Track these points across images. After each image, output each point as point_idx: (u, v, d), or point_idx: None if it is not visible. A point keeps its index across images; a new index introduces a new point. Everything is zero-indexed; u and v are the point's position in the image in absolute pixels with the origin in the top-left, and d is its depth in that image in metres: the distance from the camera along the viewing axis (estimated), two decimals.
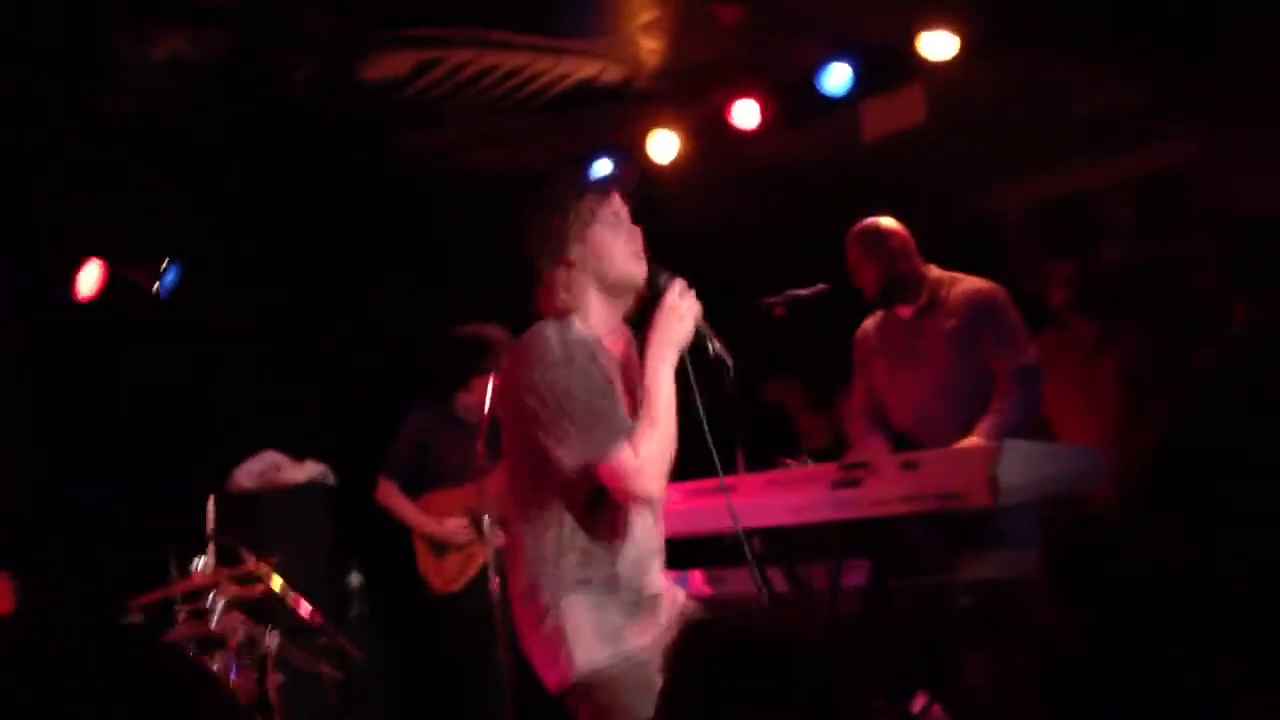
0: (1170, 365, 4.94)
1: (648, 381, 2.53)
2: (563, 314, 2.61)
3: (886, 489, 3.30)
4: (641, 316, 2.69)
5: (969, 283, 4.13)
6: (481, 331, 4.82)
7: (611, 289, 2.63)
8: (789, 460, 3.84)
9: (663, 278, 2.62)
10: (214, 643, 4.23)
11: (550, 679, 2.57)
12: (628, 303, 2.69)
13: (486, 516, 4.24)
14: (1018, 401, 3.93)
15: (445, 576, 4.82)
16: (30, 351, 5.22)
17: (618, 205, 2.66)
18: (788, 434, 6.72)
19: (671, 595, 2.77)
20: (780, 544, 3.84)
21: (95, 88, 4.70)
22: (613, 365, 2.63)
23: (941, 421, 3.95)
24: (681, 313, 2.57)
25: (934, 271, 4.18)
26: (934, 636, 3.51)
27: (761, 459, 4.02)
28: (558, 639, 2.53)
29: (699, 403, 2.69)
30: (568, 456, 2.50)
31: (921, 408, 4.11)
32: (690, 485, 3.76)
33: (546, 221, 2.63)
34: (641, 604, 2.62)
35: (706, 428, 2.65)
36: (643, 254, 2.63)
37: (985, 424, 3.84)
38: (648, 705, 2.34)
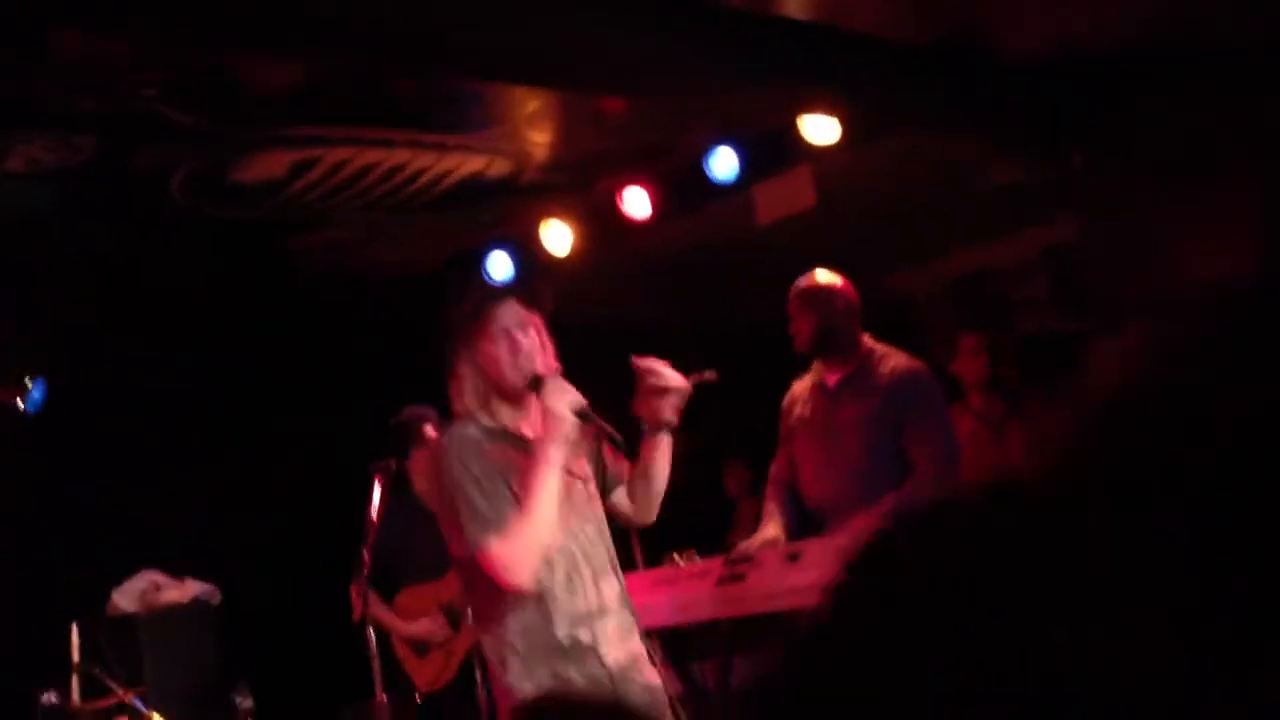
0: None
1: (527, 479, 2.65)
2: (462, 414, 2.80)
3: (770, 582, 3.18)
4: None
5: (898, 359, 3.95)
6: (406, 415, 4.75)
7: (502, 394, 2.78)
8: (677, 556, 3.71)
9: (534, 380, 2.73)
10: None
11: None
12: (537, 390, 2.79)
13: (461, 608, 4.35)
14: (928, 489, 3.72)
15: (430, 675, 4.73)
16: None
17: (504, 313, 2.79)
18: (726, 519, 6.61)
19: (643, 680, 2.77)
20: (672, 643, 3.70)
21: None
22: (506, 455, 2.73)
23: (851, 504, 3.76)
24: (557, 411, 2.66)
25: (867, 341, 4.04)
26: None
27: (707, 545, 3.92)
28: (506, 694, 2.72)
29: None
30: (460, 549, 2.69)
31: (832, 488, 3.92)
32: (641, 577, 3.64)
33: (438, 339, 2.85)
34: (594, 685, 2.66)
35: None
36: (528, 356, 2.75)
37: (884, 503, 3.66)
38: None
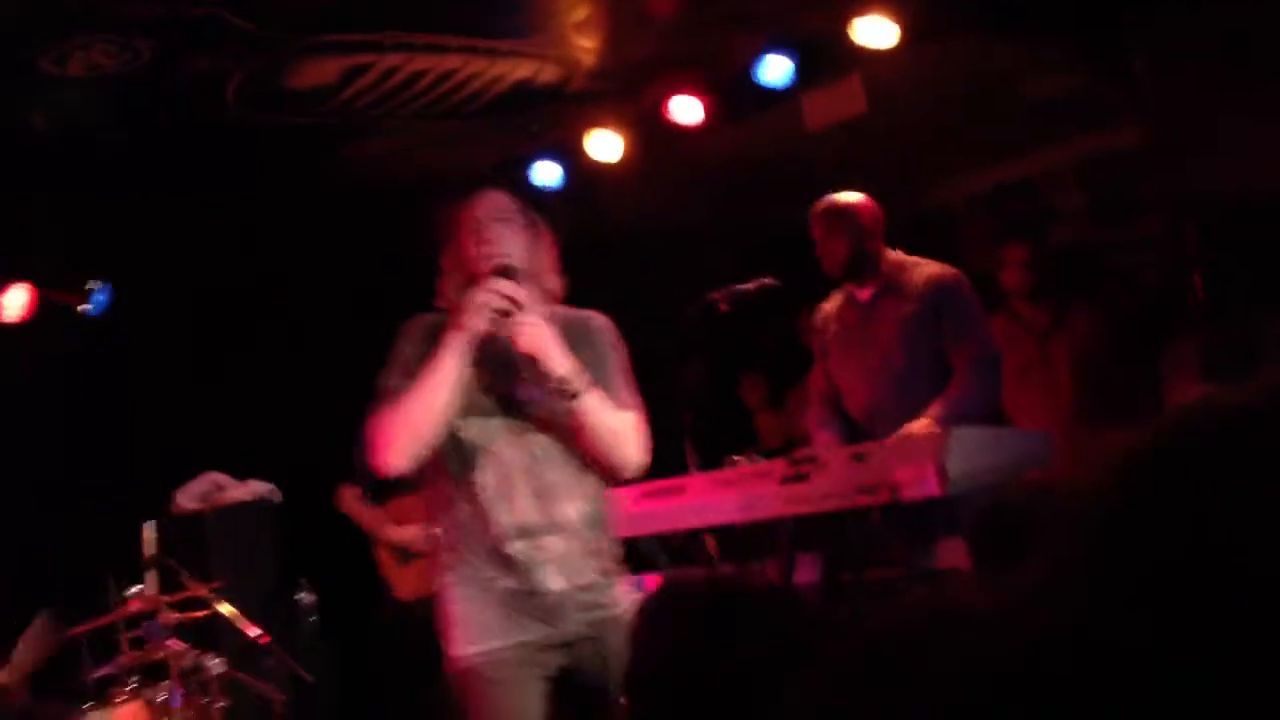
0: (1124, 348, 4.93)
1: (428, 364, 2.55)
2: (439, 309, 2.70)
3: (834, 482, 3.25)
4: None
5: (929, 268, 3.99)
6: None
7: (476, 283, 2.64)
8: (737, 457, 3.78)
9: (501, 271, 2.62)
10: (157, 670, 4.11)
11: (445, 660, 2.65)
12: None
13: None
14: (972, 389, 3.79)
15: (410, 584, 4.74)
16: None
17: (482, 203, 2.67)
18: (747, 431, 6.69)
19: (602, 601, 2.67)
20: (732, 542, 3.80)
21: (19, 106, 4.57)
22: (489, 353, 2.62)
23: (894, 410, 3.81)
24: (476, 302, 2.55)
25: (894, 255, 4.06)
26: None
27: (719, 457, 3.97)
28: (445, 624, 2.62)
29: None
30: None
31: (874, 396, 3.98)
32: (641, 487, 3.70)
33: (428, 230, 2.73)
34: (520, 597, 2.59)
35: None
36: (498, 247, 2.62)
37: (934, 408, 3.72)
38: (509, 701, 2.53)
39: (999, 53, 5.16)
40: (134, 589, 4.11)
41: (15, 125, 4.61)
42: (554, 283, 2.75)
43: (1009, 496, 2.19)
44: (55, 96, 4.54)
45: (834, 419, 4.12)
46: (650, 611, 1.65)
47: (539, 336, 2.61)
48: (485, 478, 2.59)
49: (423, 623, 4.58)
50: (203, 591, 4.20)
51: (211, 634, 4.51)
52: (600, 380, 2.67)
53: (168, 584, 4.39)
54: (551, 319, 2.68)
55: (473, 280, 2.61)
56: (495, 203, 2.66)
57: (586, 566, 2.64)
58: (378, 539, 4.91)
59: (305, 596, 5.17)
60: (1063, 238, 7.01)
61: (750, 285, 4.04)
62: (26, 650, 4.20)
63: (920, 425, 3.56)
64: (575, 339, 2.69)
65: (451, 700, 2.65)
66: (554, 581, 2.58)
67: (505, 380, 2.66)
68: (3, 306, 5.16)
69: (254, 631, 4.33)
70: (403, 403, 2.52)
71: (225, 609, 4.19)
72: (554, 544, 2.60)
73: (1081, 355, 4.83)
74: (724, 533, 3.83)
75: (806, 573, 3.58)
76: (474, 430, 2.62)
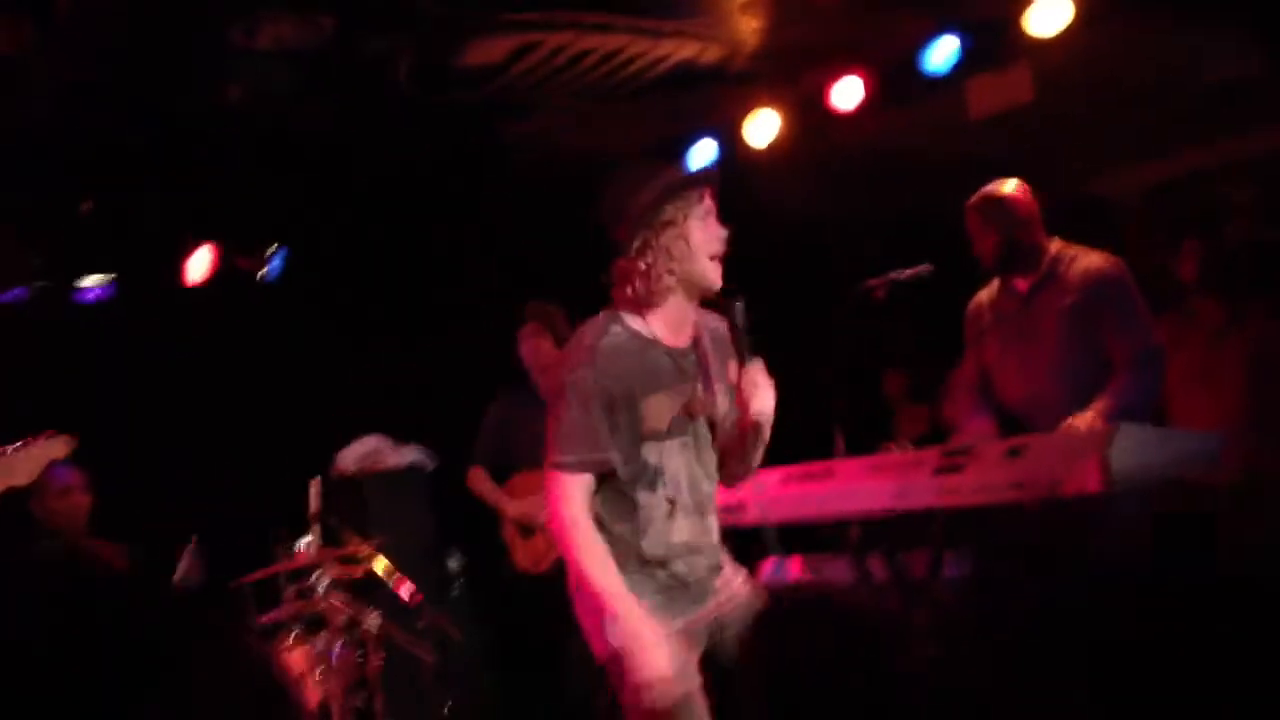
0: None
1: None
2: (627, 307, 2.61)
3: (990, 475, 3.20)
4: None
5: (1091, 258, 3.87)
6: (529, 310, 4.86)
7: (686, 287, 2.61)
8: (891, 445, 3.76)
9: (723, 293, 2.63)
10: (318, 621, 4.30)
11: (596, 652, 2.62)
12: (695, 300, 2.67)
13: None
14: (1137, 384, 3.67)
15: (532, 557, 4.84)
16: (143, 335, 5.36)
17: (710, 201, 2.62)
18: (887, 423, 6.62)
19: (730, 586, 2.75)
20: (879, 530, 3.77)
21: (207, 77, 4.79)
22: (659, 365, 2.60)
23: (1053, 403, 3.72)
24: (760, 407, 2.61)
25: (1055, 244, 3.95)
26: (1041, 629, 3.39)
27: (860, 448, 3.95)
28: (596, 615, 2.56)
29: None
30: (549, 452, 2.57)
31: (1033, 388, 3.88)
32: (788, 470, 3.71)
33: (637, 205, 2.57)
34: (677, 588, 2.63)
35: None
36: (721, 257, 2.62)
37: (1100, 403, 3.61)
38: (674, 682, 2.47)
39: (1173, 40, 4.99)
40: (301, 542, 4.29)
41: (206, 94, 4.84)
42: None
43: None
44: (244, 68, 4.75)
45: (986, 408, 4.05)
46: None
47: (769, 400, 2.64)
48: (649, 496, 2.59)
49: (539, 594, 4.69)
50: (364, 548, 4.37)
51: (367, 592, 4.68)
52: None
53: (330, 541, 4.58)
54: (702, 328, 2.70)
55: (698, 279, 2.59)
56: (708, 203, 2.62)
57: (718, 555, 2.72)
58: (502, 514, 5.01)
59: (454, 563, 5.31)
60: (1238, 233, 6.73)
61: (907, 272, 4.00)
62: (181, 571, 4.38)
63: (1085, 419, 3.49)
64: (718, 351, 2.71)
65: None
66: (706, 599, 2.66)
67: (684, 399, 2.64)
68: (188, 268, 5.42)
69: (408, 590, 4.49)
70: (595, 562, 2.52)
71: (381, 566, 4.35)
72: (701, 563, 2.67)
73: (1256, 356, 4.65)
74: (869, 522, 3.81)
75: (957, 567, 3.55)
76: (650, 451, 2.61)
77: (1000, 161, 4.41)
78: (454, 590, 5.41)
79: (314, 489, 4.47)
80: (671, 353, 2.61)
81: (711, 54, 5.35)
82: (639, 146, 6.16)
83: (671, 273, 2.57)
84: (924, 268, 4.02)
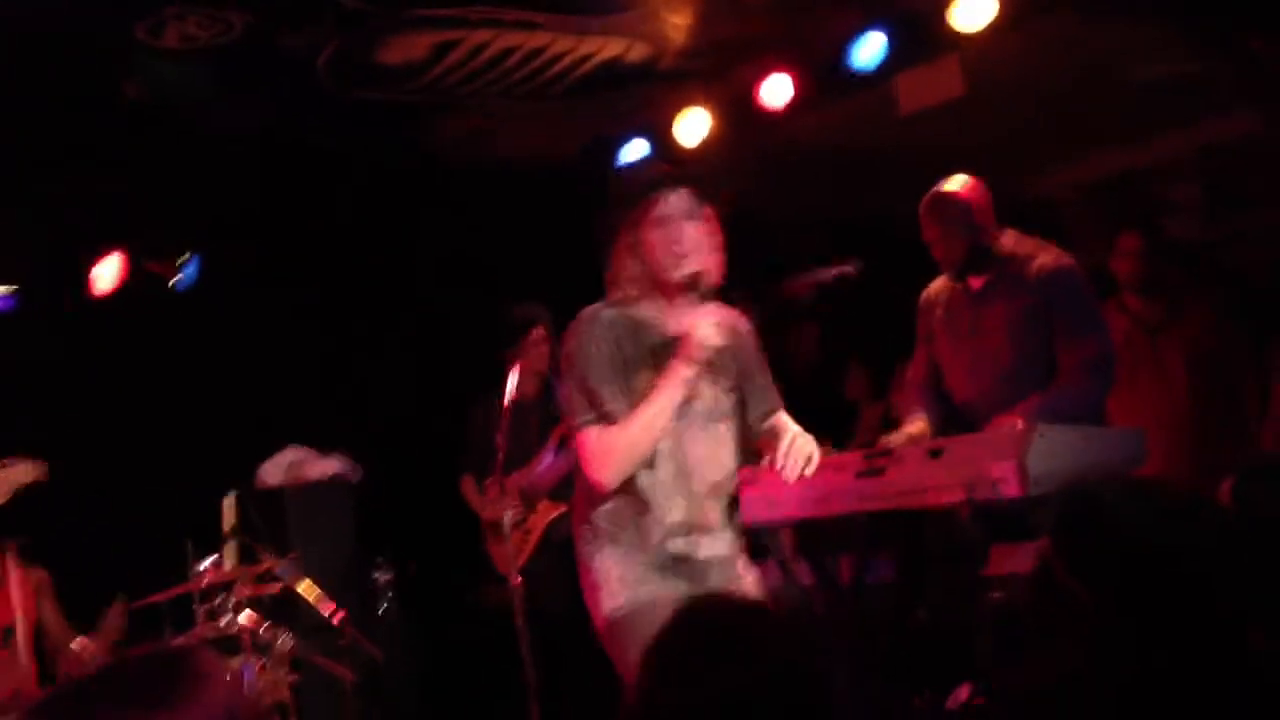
0: (1236, 345, 4.69)
1: (656, 388, 2.66)
2: (616, 301, 2.78)
3: (911, 478, 3.13)
4: None
5: (1045, 257, 3.78)
6: (516, 315, 4.86)
7: (660, 285, 2.74)
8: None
9: (694, 277, 2.71)
10: (230, 642, 4.16)
11: (595, 624, 2.75)
12: (685, 295, 2.75)
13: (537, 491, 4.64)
14: (1077, 390, 3.59)
15: (503, 561, 4.79)
16: (52, 345, 5.19)
17: (667, 202, 2.72)
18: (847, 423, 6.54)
19: (737, 581, 2.79)
20: (806, 536, 3.69)
21: (116, 76, 4.64)
22: (655, 349, 2.71)
23: (1001, 405, 3.63)
24: (700, 336, 2.66)
25: (1007, 240, 3.87)
26: (967, 634, 3.32)
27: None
28: (594, 587, 2.71)
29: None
30: (571, 423, 2.72)
31: (983, 387, 3.81)
32: None
33: (604, 220, 2.80)
34: (677, 566, 2.69)
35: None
36: (688, 250, 2.70)
37: (1029, 404, 3.54)
38: None
39: (1105, 34, 4.95)
40: (208, 561, 4.15)
41: (112, 94, 4.68)
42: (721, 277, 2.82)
43: (1097, 491, 2.06)
44: (151, 67, 4.60)
45: (930, 405, 3.95)
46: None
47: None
48: (649, 478, 2.69)
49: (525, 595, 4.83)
50: (277, 566, 4.23)
51: (287, 609, 4.55)
52: (759, 382, 2.89)
53: (247, 557, 4.44)
54: (722, 322, 2.76)
55: (657, 278, 2.72)
56: (683, 201, 2.73)
57: (732, 569, 2.79)
58: (481, 521, 5.02)
59: (382, 575, 5.19)
60: (1176, 229, 6.72)
61: (830, 272, 3.91)
62: (105, 633, 4.26)
63: (1008, 421, 3.41)
64: (729, 341, 2.78)
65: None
66: (713, 582, 2.72)
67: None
68: (96, 277, 5.25)
69: (328, 608, 4.36)
70: (627, 430, 2.64)
71: (300, 586, 4.22)
72: (710, 544, 2.74)
73: (1194, 352, 4.61)
74: (801, 527, 3.73)
75: (883, 571, 3.47)
76: None
77: (934, 157, 4.35)
78: (382, 605, 5.28)
79: (228, 504, 4.32)
80: (667, 337, 2.71)
81: (639, 52, 5.26)
82: (570, 147, 6.07)
83: (641, 273, 2.73)
84: (846, 267, 3.93)
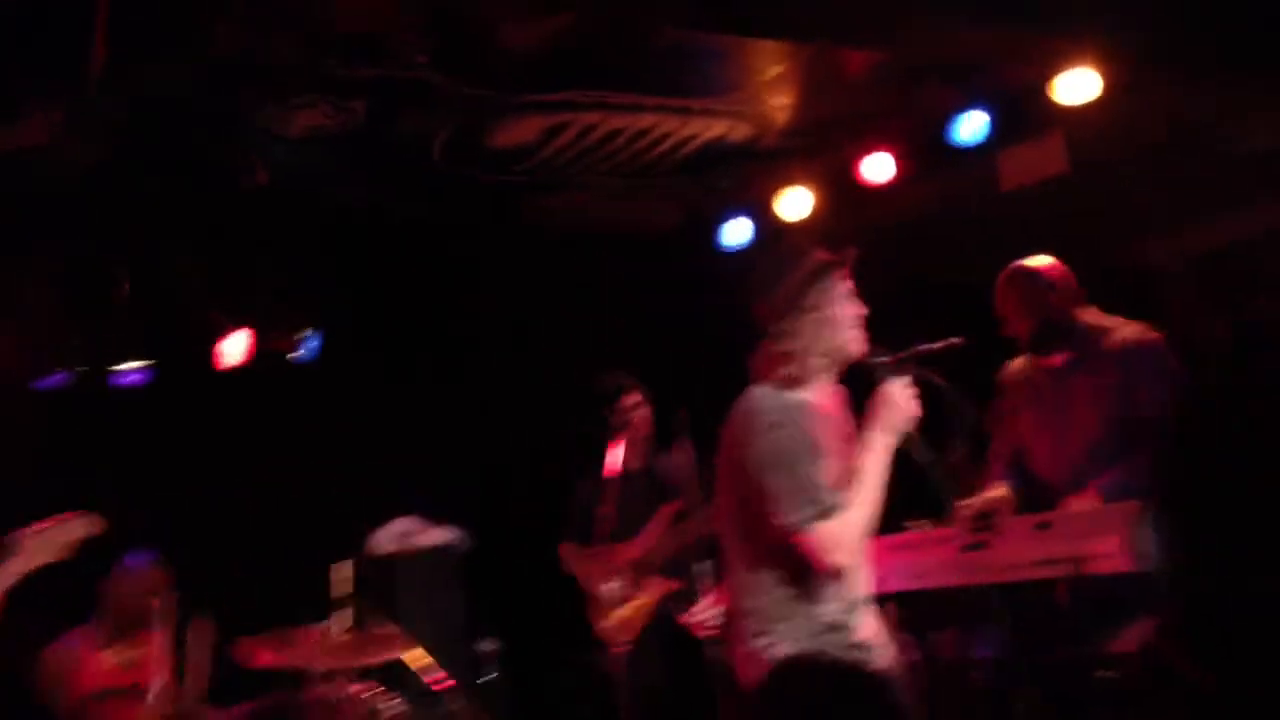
0: None
1: (862, 463, 2.63)
2: (782, 380, 2.72)
3: (1016, 552, 3.13)
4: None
5: (1127, 331, 3.79)
6: (604, 383, 4.93)
7: (833, 361, 2.75)
8: (913, 523, 3.67)
9: (884, 368, 2.74)
10: (340, 708, 4.25)
11: (746, 680, 2.70)
12: (840, 370, 2.80)
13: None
14: (1148, 461, 3.57)
15: (613, 631, 4.88)
16: (179, 419, 5.43)
17: (841, 282, 2.79)
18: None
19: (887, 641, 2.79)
20: (910, 610, 3.67)
21: (241, 162, 4.89)
22: (826, 428, 2.70)
23: (1089, 480, 3.64)
24: (901, 406, 2.68)
25: (1089, 316, 3.87)
26: (1074, 712, 3.27)
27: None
28: (744, 643, 2.69)
29: None
30: (775, 520, 2.60)
31: (1069, 464, 3.79)
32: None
33: (786, 286, 2.74)
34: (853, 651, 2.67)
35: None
36: (863, 331, 2.77)
37: (1102, 480, 3.52)
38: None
39: (1206, 104, 4.92)
40: (327, 625, 4.27)
41: (242, 180, 4.93)
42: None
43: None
44: (278, 153, 4.84)
45: (1012, 478, 3.94)
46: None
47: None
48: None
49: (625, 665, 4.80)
50: (393, 633, 4.34)
51: (396, 676, 4.63)
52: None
53: (359, 624, 4.54)
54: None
55: (842, 353, 2.75)
56: (848, 281, 2.81)
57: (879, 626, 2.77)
58: (586, 590, 5.07)
59: (488, 645, 5.24)
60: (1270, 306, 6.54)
61: (937, 345, 3.93)
62: (197, 655, 4.39)
63: (1079, 500, 3.40)
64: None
65: None
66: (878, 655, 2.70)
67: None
68: (223, 351, 5.49)
69: (436, 677, 4.43)
70: (858, 514, 2.61)
71: (409, 654, 4.31)
72: (865, 608, 2.72)
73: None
74: (904, 600, 3.72)
75: (987, 647, 3.44)
76: None
77: (1037, 231, 4.35)
78: (487, 673, 5.33)
79: (342, 571, 4.45)
80: (830, 420, 2.73)
81: (741, 131, 5.38)
82: (670, 222, 6.19)
83: (822, 354, 2.72)
84: (954, 340, 3.95)
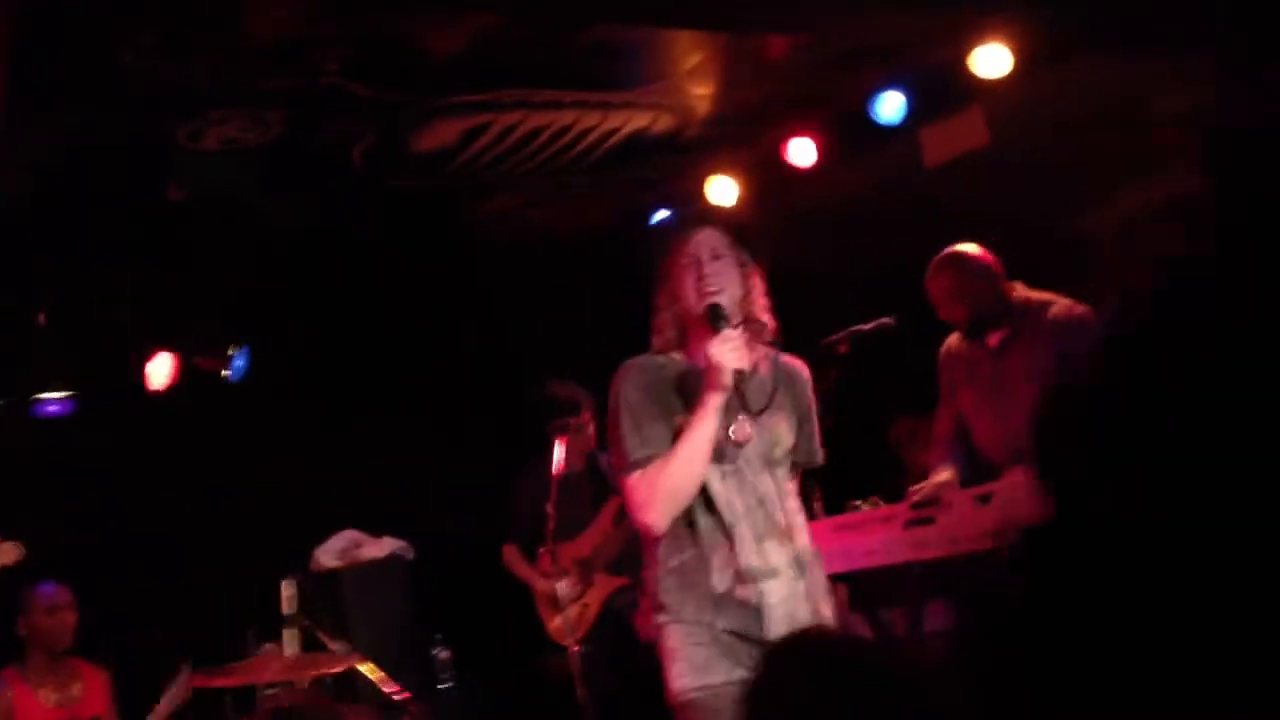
0: None
1: (688, 422, 2.62)
2: (657, 348, 2.78)
3: (961, 524, 3.16)
4: None
5: (1059, 307, 3.88)
6: (557, 392, 4.95)
7: (690, 326, 2.72)
8: (859, 502, 3.70)
9: (710, 310, 2.66)
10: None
11: (666, 695, 2.68)
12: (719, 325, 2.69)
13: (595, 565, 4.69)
14: None
15: (563, 631, 4.85)
16: (110, 443, 5.32)
17: (694, 243, 2.74)
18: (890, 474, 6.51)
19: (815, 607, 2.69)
20: (859, 589, 3.70)
21: (158, 179, 4.80)
22: (693, 388, 2.65)
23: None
24: (718, 360, 2.58)
25: (1021, 293, 3.94)
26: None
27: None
28: (665, 660, 2.65)
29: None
30: (620, 476, 2.69)
31: (1011, 440, 3.85)
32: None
33: (645, 271, 2.83)
34: (739, 642, 2.60)
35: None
36: (713, 286, 2.67)
37: None
38: None
39: (1121, 73, 4.99)
40: (268, 646, 4.21)
41: (157, 197, 4.84)
42: (768, 320, 2.77)
43: None
44: (193, 169, 4.76)
45: (958, 457, 4.00)
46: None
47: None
48: (708, 522, 2.64)
49: (581, 664, 4.80)
50: (341, 650, 4.28)
51: (350, 689, 4.58)
52: (806, 430, 2.79)
53: (308, 640, 4.48)
54: (765, 360, 2.75)
55: (688, 318, 2.71)
56: (709, 240, 2.73)
57: (803, 610, 2.64)
58: (533, 591, 5.06)
59: (441, 652, 5.22)
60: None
61: (868, 326, 3.98)
62: (169, 700, 4.37)
63: (1023, 471, 3.43)
64: (784, 384, 2.75)
65: None
66: (776, 628, 2.57)
67: (725, 423, 2.65)
68: (149, 374, 5.39)
69: (392, 688, 4.39)
70: (667, 468, 2.60)
71: (364, 667, 4.27)
72: (775, 588, 2.62)
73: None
74: (852, 580, 3.75)
75: (938, 619, 3.47)
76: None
77: (965, 207, 4.39)
78: (442, 681, 5.30)
79: (287, 588, 4.38)
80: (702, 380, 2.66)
81: (663, 122, 5.36)
82: (605, 220, 6.17)
83: (675, 318, 2.74)
84: (886, 320, 4.00)
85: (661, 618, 2.65)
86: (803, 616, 2.61)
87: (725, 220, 2.85)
